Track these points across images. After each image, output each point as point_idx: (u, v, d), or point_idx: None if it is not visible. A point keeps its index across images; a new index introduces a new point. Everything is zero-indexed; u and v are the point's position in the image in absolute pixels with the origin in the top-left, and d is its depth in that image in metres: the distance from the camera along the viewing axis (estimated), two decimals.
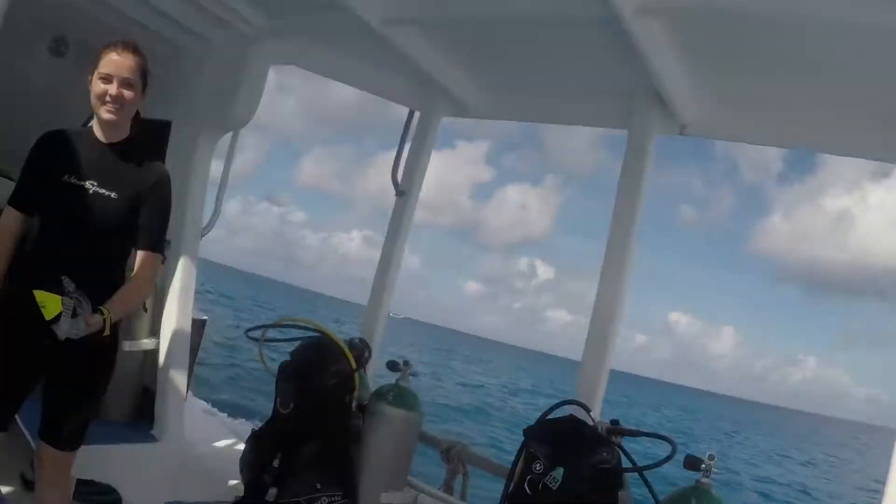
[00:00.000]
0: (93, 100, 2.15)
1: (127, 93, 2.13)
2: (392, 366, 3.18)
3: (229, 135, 4.10)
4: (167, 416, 3.48)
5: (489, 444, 16.76)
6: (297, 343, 3.19)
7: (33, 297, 1.91)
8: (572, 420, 2.47)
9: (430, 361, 41.57)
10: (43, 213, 2.16)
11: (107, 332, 2.06)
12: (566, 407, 2.57)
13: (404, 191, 3.83)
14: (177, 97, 3.69)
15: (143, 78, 2.19)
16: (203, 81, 3.65)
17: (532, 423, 2.52)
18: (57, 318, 1.90)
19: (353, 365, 3.01)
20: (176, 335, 3.56)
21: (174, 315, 3.58)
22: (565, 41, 2.83)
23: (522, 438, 2.46)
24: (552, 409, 2.57)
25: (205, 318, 4.14)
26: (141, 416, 3.58)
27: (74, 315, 1.93)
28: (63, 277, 1.95)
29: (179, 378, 3.53)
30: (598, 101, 3.28)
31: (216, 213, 4.16)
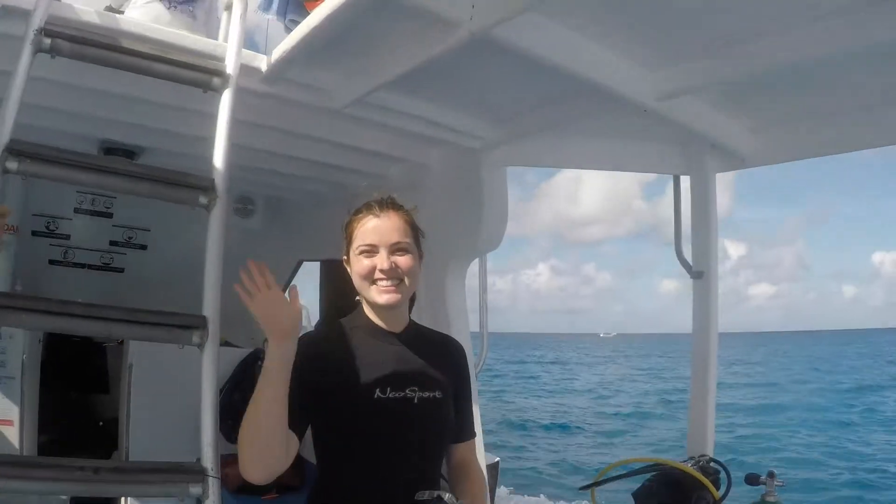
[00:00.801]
0: (357, 282, 1.74)
1: (402, 260, 1.70)
2: (752, 480, 2.67)
3: None
4: None
5: None
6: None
7: None
8: None
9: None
10: (343, 434, 1.67)
11: None
12: None
13: (701, 271, 3.23)
14: None
15: (415, 238, 1.78)
16: (438, 210, 3.00)
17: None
18: None
19: (716, 494, 2.60)
20: None
21: None
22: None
23: None
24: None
25: (496, 459, 3.86)
26: None
27: None
28: (447, 494, 1.62)
29: None
30: None
31: (484, 348, 3.72)
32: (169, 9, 2.82)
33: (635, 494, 2.75)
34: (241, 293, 1.55)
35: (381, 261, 1.69)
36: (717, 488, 2.70)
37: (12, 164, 1.70)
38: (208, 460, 1.75)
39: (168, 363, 3.77)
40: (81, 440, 4.54)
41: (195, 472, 1.73)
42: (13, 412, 3.96)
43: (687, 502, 2.58)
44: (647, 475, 2.79)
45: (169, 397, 4.05)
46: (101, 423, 4.82)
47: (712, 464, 2.85)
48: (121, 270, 5.36)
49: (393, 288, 1.70)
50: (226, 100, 2.12)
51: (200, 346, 1.82)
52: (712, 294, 3.20)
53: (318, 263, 4.88)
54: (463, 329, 3.24)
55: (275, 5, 3.08)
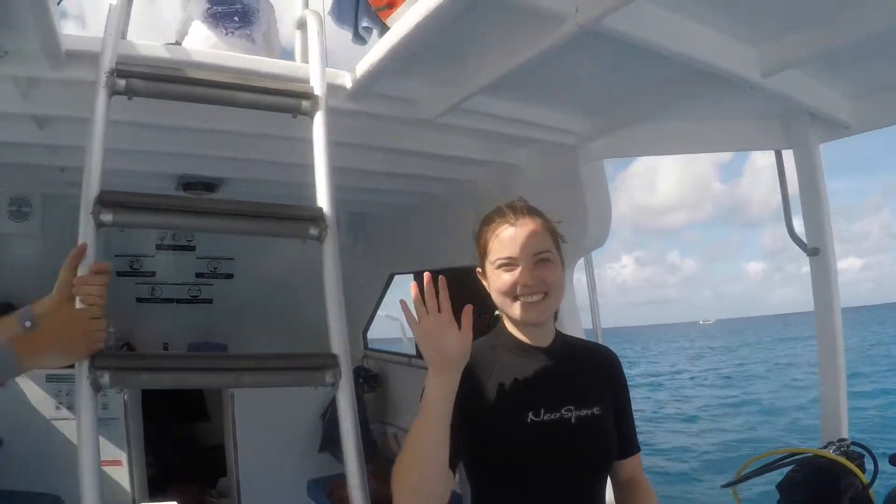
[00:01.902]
0: (498, 299, 1.56)
1: (546, 272, 1.52)
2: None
3: None
4: None
5: None
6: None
7: None
8: None
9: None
10: (497, 464, 1.51)
11: None
12: None
13: (817, 247, 3.06)
14: None
15: (556, 244, 1.59)
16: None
17: None
18: None
19: (864, 480, 2.42)
20: None
21: None
22: None
23: None
24: None
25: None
26: None
27: None
28: None
29: None
30: None
31: None
32: (226, 35, 2.76)
33: (780, 486, 2.57)
34: (406, 315, 1.38)
35: (523, 275, 1.51)
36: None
37: (107, 217, 1.66)
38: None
39: (269, 392, 3.83)
40: (187, 470, 4.61)
41: None
42: (121, 452, 4.04)
43: (836, 491, 2.39)
44: (789, 466, 2.62)
45: (273, 421, 4.09)
46: (205, 451, 4.88)
47: (854, 448, 2.64)
48: (209, 301, 5.41)
49: (538, 303, 1.52)
50: (319, 123, 2.01)
51: (334, 385, 1.75)
52: (831, 270, 3.02)
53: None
54: (578, 330, 3.08)
55: (343, 12, 3.01)
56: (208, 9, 2.75)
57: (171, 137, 2.48)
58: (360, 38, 3.06)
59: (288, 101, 2.02)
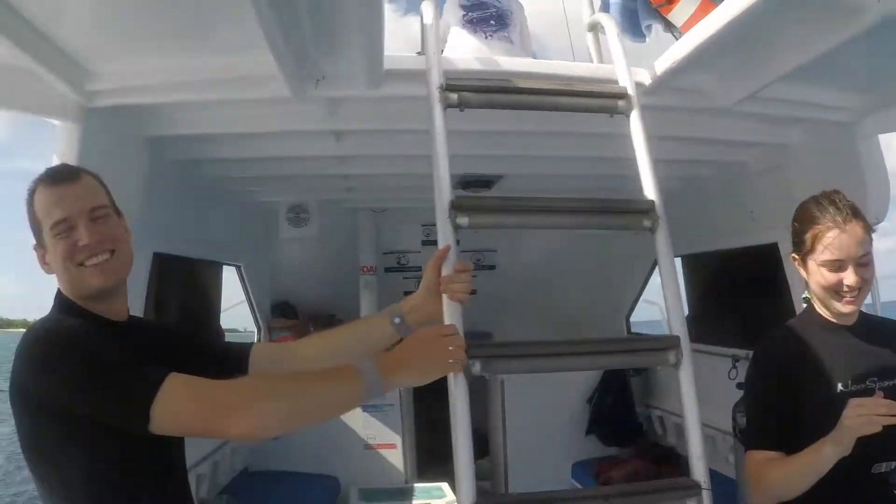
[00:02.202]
0: (818, 290, 1.73)
1: (867, 272, 1.68)
2: None
3: None
4: None
5: None
6: None
7: None
8: None
9: None
10: (808, 433, 1.64)
11: None
12: None
13: None
14: None
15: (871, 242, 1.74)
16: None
17: None
18: None
19: None
20: None
21: None
22: None
23: None
24: None
25: None
26: None
27: None
28: None
29: None
30: None
31: None
32: (486, 39, 2.90)
33: None
34: None
35: (849, 277, 1.67)
36: None
37: (462, 220, 1.78)
38: (699, 474, 1.74)
39: (538, 379, 3.96)
40: (448, 451, 4.93)
41: (690, 486, 1.73)
42: (395, 436, 4.47)
43: None
44: None
45: (541, 406, 4.28)
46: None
47: None
48: (473, 292, 5.69)
49: (855, 298, 1.70)
50: (636, 119, 2.05)
51: (676, 365, 1.82)
52: None
53: None
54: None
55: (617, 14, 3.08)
56: (464, 15, 2.92)
57: (460, 141, 2.73)
58: (640, 37, 3.12)
59: (605, 101, 2.08)
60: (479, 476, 1.68)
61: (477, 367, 1.62)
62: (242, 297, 4.89)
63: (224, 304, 4.67)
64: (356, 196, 4.59)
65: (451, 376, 1.57)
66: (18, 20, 1.74)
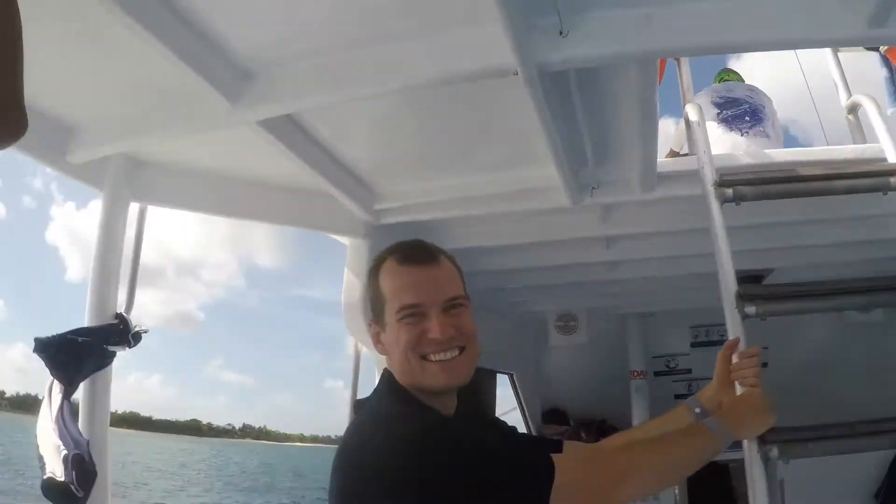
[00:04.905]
0: None
1: None
2: None
3: None
4: None
5: None
6: None
7: None
8: None
9: None
10: None
11: None
12: None
13: None
14: None
15: None
16: None
17: None
18: None
19: None
20: None
21: None
22: None
23: None
24: None
25: None
26: None
27: None
28: None
29: None
30: None
31: None
32: (743, 136, 2.95)
33: None
34: None
35: None
36: None
37: (750, 309, 1.84)
38: None
39: (821, 475, 3.65)
40: None
41: None
42: None
43: None
44: None
45: (822, 501, 3.91)
46: None
47: None
48: None
49: None
50: None
51: None
52: None
53: None
54: None
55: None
56: (718, 114, 3.00)
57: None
58: None
59: (877, 180, 2.05)
60: None
61: (774, 452, 1.62)
62: (514, 404, 5.03)
63: (497, 411, 4.85)
64: (623, 301, 4.66)
65: (748, 462, 1.61)
66: (309, 141, 1.99)
